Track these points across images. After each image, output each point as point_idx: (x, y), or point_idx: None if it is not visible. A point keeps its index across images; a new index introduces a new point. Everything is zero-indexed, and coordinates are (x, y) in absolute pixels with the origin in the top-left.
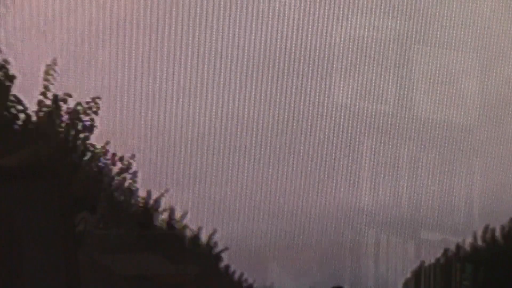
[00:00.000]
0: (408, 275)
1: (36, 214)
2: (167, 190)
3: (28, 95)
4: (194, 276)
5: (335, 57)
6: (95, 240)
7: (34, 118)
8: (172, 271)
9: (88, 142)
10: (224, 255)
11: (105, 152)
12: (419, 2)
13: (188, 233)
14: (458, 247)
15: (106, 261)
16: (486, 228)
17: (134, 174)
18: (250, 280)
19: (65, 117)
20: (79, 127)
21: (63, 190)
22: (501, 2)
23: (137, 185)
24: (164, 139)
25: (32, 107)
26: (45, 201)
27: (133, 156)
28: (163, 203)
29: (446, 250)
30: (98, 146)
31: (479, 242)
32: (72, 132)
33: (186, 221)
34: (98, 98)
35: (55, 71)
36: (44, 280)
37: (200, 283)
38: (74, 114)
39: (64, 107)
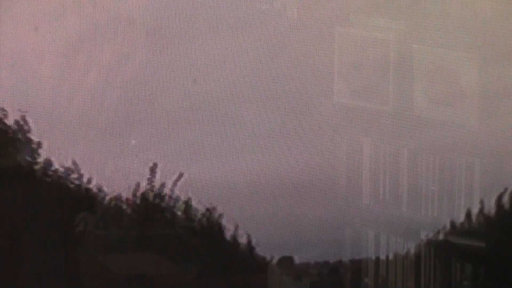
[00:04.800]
0: (408, 275)
1: (36, 214)
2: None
3: None
4: (194, 276)
5: (335, 56)
6: (95, 240)
7: None
8: (172, 271)
9: None
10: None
11: None
12: (419, 2)
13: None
14: (458, 247)
15: (106, 261)
16: (486, 228)
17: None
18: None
19: None
20: None
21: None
22: (502, 2)
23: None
24: (163, 138)
25: None
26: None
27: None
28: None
29: (445, 250)
30: None
31: (479, 242)
32: None
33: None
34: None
35: None
36: (44, 280)
37: (200, 283)
38: None
39: None
